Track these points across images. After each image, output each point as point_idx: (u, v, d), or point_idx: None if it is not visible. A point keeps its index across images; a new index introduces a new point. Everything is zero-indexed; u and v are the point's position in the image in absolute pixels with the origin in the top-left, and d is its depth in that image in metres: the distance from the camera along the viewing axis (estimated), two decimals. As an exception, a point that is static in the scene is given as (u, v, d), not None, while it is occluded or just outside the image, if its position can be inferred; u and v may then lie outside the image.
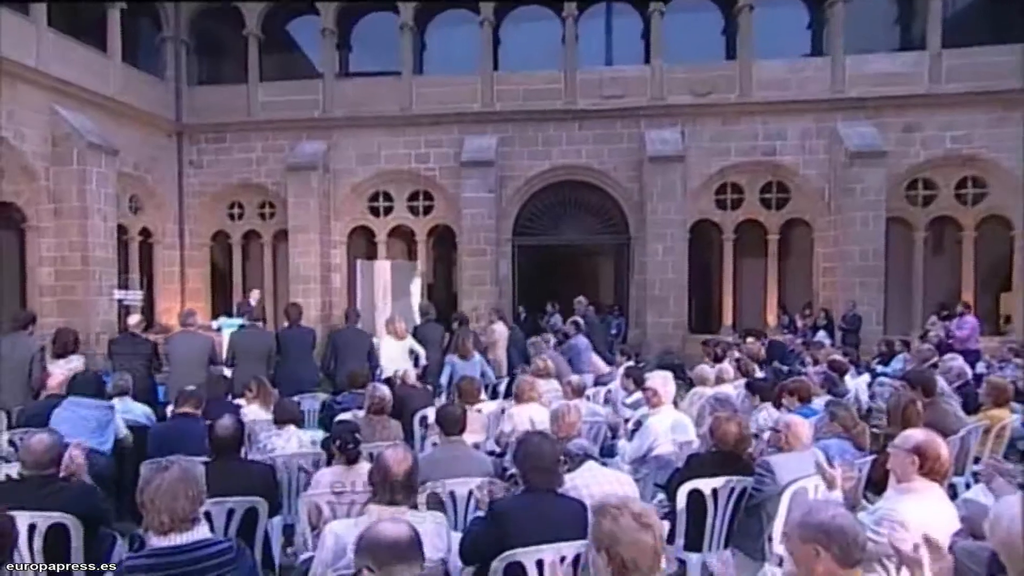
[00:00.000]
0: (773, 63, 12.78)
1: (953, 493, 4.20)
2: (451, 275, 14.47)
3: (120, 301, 11.36)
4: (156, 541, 2.23)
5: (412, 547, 2.05)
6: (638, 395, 5.98)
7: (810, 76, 12.65)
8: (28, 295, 10.87)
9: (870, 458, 4.19)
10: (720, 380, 6.25)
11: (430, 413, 5.26)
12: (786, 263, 13.45)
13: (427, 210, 13.95)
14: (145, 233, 13.66)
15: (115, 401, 5.23)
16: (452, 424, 3.96)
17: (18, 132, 10.49)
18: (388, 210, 14.03)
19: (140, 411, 5.51)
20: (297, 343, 7.15)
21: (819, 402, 5.33)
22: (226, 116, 13.90)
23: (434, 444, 4.58)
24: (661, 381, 4.99)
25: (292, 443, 4.54)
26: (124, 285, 12.14)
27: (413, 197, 13.96)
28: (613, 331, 12.68)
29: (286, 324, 7.52)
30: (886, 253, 11.95)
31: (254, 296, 11.38)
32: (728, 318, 13.33)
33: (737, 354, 8.04)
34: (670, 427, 4.79)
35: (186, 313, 7.48)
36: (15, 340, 6.33)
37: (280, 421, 4.73)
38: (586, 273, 16.32)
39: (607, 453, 5.25)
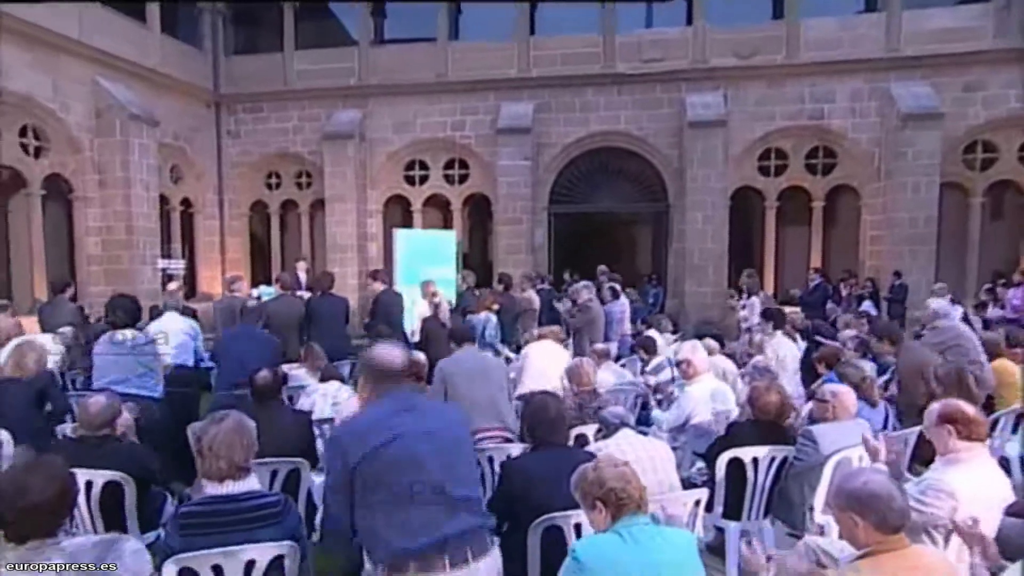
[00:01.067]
0: (823, 21, 12.21)
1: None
2: (487, 244, 14.41)
3: (164, 270, 11.62)
4: (211, 489, 2.38)
5: (400, 372, 2.31)
6: (655, 361, 6.18)
7: (863, 34, 12.03)
8: (76, 265, 11.18)
9: (917, 429, 4.07)
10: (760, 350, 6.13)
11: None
12: (831, 231, 13.02)
13: (463, 179, 13.86)
14: (186, 203, 13.90)
15: (167, 316, 5.58)
16: (461, 336, 4.46)
17: (64, 104, 10.71)
18: (424, 179, 14.00)
19: (186, 324, 5.74)
20: (328, 312, 7.09)
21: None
22: (263, 85, 13.96)
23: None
24: (690, 349, 4.89)
25: (331, 387, 4.82)
26: (167, 254, 12.41)
27: (449, 165, 13.89)
28: (650, 300, 12.51)
29: (318, 293, 7.54)
30: (939, 220, 11.44)
31: (301, 268, 11.22)
32: (769, 287, 12.96)
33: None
34: (710, 395, 4.71)
35: (230, 279, 7.62)
36: (55, 305, 6.60)
37: (326, 379, 4.98)
38: (623, 242, 16.06)
39: (641, 422, 5.20)
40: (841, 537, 2.29)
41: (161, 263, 11.74)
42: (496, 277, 10.39)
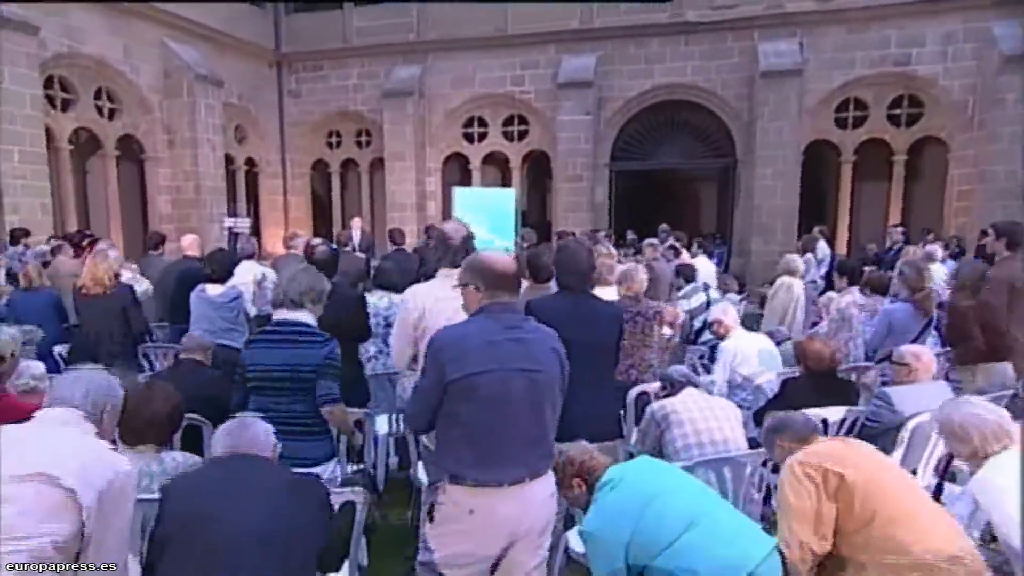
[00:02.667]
0: (914, -45, 11.20)
1: None
2: (545, 202, 14.21)
3: (230, 228, 11.94)
4: (276, 316, 3.11)
5: (514, 279, 2.33)
6: (689, 287, 6.51)
7: (961, -33, 10.98)
8: (149, 223, 11.60)
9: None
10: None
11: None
12: (913, 187, 12.19)
13: (522, 135, 13.63)
14: (250, 162, 14.20)
15: (243, 265, 5.74)
16: (542, 270, 4.04)
17: (134, 67, 11.00)
18: (482, 136, 13.84)
19: (260, 271, 5.96)
20: (395, 269, 7.19)
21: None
22: (323, 43, 13.97)
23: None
24: (720, 311, 5.00)
25: (385, 300, 4.92)
26: (233, 213, 12.75)
27: (508, 122, 13.67)
28: (714, 260, 12.07)
29: (392, 248, 7.69)
30: (1039, 173, 10.52)
31: (356, 225, 11.20)
32: (842, 247, 12.33)
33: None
34: (756, 352, 4.65)
35: (289, 236, 7.78)
36: (148, 261, 6.94)
37: (379, 286, 5.08)
38: (687, 199, 15.54)
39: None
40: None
41: (228, 221, 12.07)
42: (555, 236, 10.23)
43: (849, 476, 2.22)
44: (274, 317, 3.14)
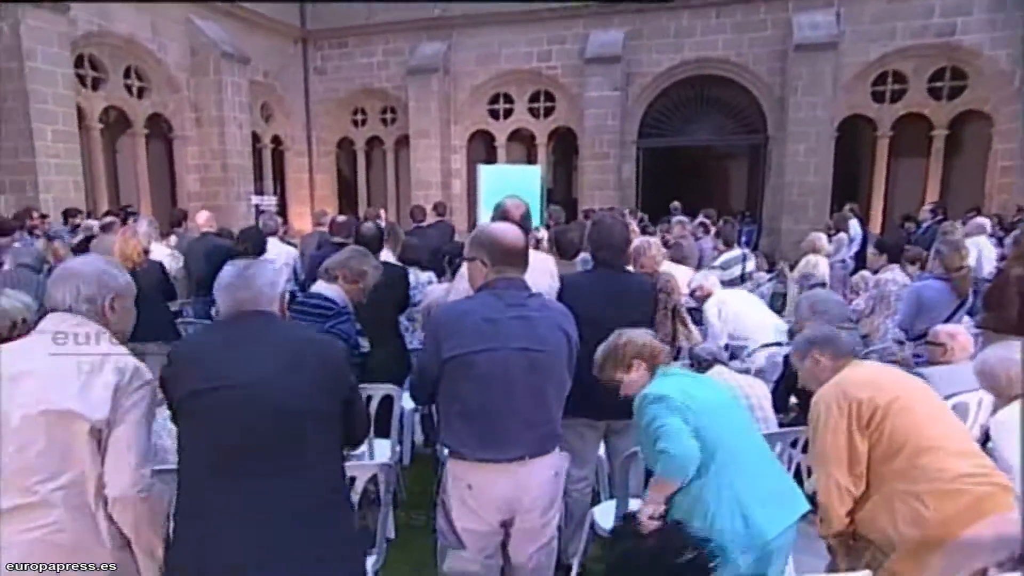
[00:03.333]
0: (962, -83, 10.70)
1: None
2: (571, 179, 14.06)
3: (257, 206, 12.02)
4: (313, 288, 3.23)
5: (522, 254, 2.25)
6: (728, 255, 6.49)
7: (1012, -71, 10.50)
8: (178, 201, 11.72)
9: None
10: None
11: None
12: (952, 163, 11.79)
13: (548, 112, 13.47)
14: (276, 140, 14.25)
15: (268, 241, 5.79)
16: (569, 247, 4.01)
17: (162, 45, 11.06)
18: (508, 113, 13.70)
19: (285, 251, 6.05)
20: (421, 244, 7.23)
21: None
22: (348, 20, 13.89)
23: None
24: (702, 277, 5.16)
25: (411, 278, 4.87)
26: (260, 191, 12.84)
27: (534, 98, 13.51)
28: (743, 239, 11.87)
29: (412, 225, 7.72)
30: (1089, 147, 10.10)
31: (381, 216, 11.33)
32: (876, 225, 12.01)
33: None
34: (773, 329, 4.59)
35: (319, 213, 7.88)
36: (182, 238, 7.02)
37: (405, 260, 5.03)
38: (716, 177, 15.27)
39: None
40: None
41: (255, 199, 12.17)
42: (581, 213, 10.13)
43: (882, 401, 2.22)
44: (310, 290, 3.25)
